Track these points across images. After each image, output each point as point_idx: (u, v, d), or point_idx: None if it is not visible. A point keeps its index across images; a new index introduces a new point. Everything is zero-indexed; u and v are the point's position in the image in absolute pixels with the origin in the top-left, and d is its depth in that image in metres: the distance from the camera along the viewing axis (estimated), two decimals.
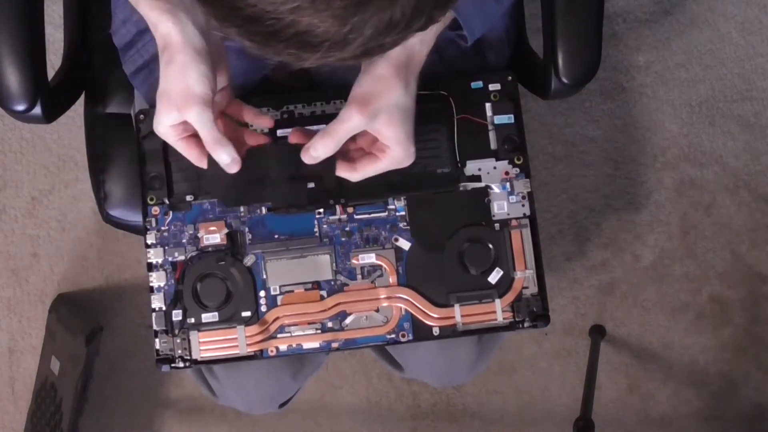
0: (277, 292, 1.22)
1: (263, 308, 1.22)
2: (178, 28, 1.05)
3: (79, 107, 1.48)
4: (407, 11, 0.72)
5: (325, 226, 1.23)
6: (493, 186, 1.25)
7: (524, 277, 1.24)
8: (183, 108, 1.06)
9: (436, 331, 1.24)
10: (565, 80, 1.32)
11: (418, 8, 0.73)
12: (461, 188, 1.24)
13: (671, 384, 2.11)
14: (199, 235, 1.23)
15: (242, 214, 1.23)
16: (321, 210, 1.23)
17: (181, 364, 1.22)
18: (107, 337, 2.02)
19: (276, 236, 1.23)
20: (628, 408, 2.11)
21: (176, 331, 1.21)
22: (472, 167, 1.25)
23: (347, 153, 1.16)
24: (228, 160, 1.10)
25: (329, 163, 1.13)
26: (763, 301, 2.10)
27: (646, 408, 2.11)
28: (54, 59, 1.27)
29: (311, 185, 1.23)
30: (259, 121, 1.19)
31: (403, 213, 1.24)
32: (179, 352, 1.22)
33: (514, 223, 1.24)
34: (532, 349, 2.10)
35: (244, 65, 1.26)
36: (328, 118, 1.23)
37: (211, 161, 1.12)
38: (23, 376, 2.05)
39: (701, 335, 2.10)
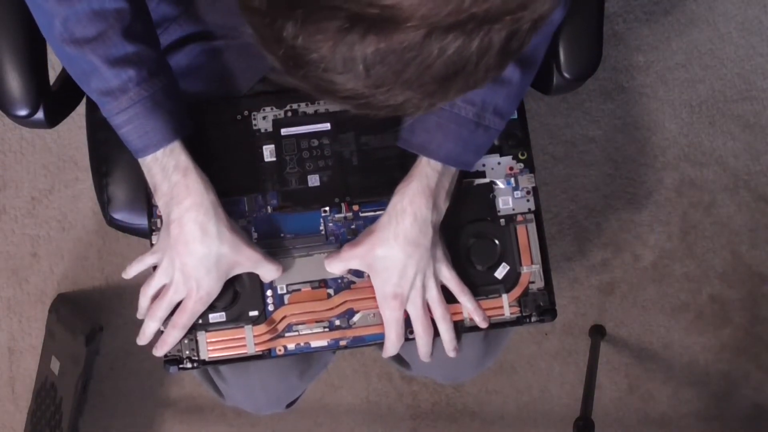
0: (284, 291, 1.22)
1: (270, 307, 1.22)
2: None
3: (79, 107, 1.48)
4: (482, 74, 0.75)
5: (331, 224, 1.23)
6: (497, 181, 1.25)
7: (530, 271, 1.24)
8: (246, 266, 1.19)
9: None
10: (567, 75, 1.32)
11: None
12: (465, 184, 1.24)
13: (671, 384, 2.11)
14: None
15: (248, 213, 1.22)
16: (327, 208, 1.23)
17: (189, 365, 1.22)
18: (107, 337, 2.02)
19: (282, 235, 1.23)
20: (628, 408, 2.11)
21: None
22: (476, 163, 1.24)
23: None
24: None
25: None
26: (763, 301, 2.11)
27: (646, 408, 2.11)
28: (54, 58, 1.26)
29: (316, 184, 1.23)
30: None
31: None
32: (187, 353, 1.21)
33: (519, 218, 1.25)
34: (532, 349, 2.10)
35: (245, 65, 1.26)
36: (331, 116, 1.24)
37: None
38: (23, 376, 2.05)
39: (701, 335, 2.11)
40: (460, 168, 1.20)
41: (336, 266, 1.21)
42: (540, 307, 1.25)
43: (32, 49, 1.27)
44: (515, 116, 1.26)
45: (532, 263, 1.25)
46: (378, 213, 1.22)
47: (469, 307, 1.22)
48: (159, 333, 1.22)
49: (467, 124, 1.15)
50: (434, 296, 1.21)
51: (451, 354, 1.24)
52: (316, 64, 0.72)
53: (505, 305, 1.24)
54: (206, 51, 1.26)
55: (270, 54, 0.75)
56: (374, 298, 1.22)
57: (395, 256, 1.17)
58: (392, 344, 1.22)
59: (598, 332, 2.08)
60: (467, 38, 0.70)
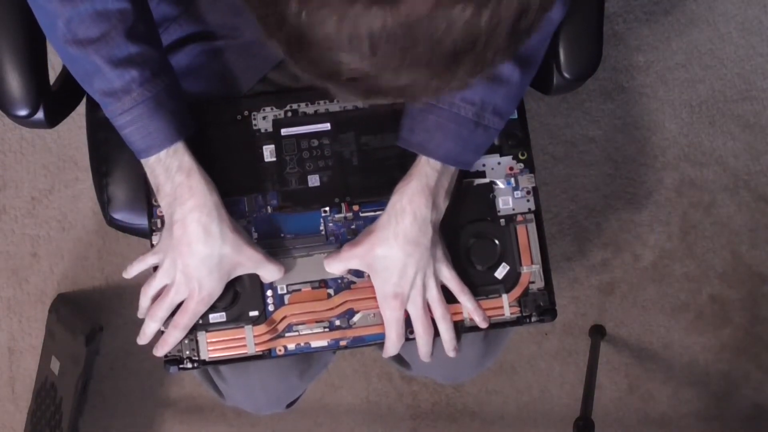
0: (285, 291, 1.22)
1: (270, 308, 1.22)
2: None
3: (79, 107, 1.48)
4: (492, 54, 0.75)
5: (331, 224, 1.23)
6: (497, 181, 1.25)
7: (530, 271, 1.24)
8: (248, 267, 1.19)
9: None
10: (567, 75, 1.32)
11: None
12: (465, 184, 1.24)
13: (671, 384, 2.11)
14: None
15: (248, 213, 1.22)
16: (327, 208, 1.23)
17: (190, 365, 1.22)
18: (107, 337, 2.02)
19: (282, 235, 1.23)
20: (628, 408, 2.11)
21: None
22: (476, 163, 1.24)
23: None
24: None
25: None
26: (763, 301, 2.11)
27: (646, 408, 2.11)
28: (53, 58, 1.26)
29: (316, 184, 1.23)
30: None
31: None
32: (187, 353, 1.21)
33: (519, 218, 1.25)
34: (532, 349, 2.10)
35: (245, 65, 1.26)
36: (331, 117, 1.23)
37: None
38: (23, 376, 2.05)
39: (701, 335, 2.11)
40: (459, 167, 1.20)
41: (336, 266, 1.21)
42: (540, 307, 1.25)
43: (32, 49, 1.27)
44: (515, 116, 1.26)
45: (532, 263, 1.25)
46: (378, 213, 1.22)
47: (469, 307, 1.22)
48: (159, 333, 1.22)
49: (467, 124, 1.15)
50: (434, 296, 1.21)
51: (451, 354, 1.24)
52: (320, 44, 0.72)
53: (505, 305, 1.24)
54: (206, 51, 1.26)
55: (274, 39, 0.75)
56: (374, 298, 1.22)
57: (395, 256, 1.17)
58: (393, 344, 1.22)
59: (598, 332, 2.08)
60: (476, 11, 0.69)
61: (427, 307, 1.21)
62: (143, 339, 1.22)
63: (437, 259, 1.20)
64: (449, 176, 1.19)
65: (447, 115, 1.15)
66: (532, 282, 1.25)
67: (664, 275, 2.10)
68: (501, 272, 1.24)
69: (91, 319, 2.00)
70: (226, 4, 1.24)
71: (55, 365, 1.95)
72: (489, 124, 1.16)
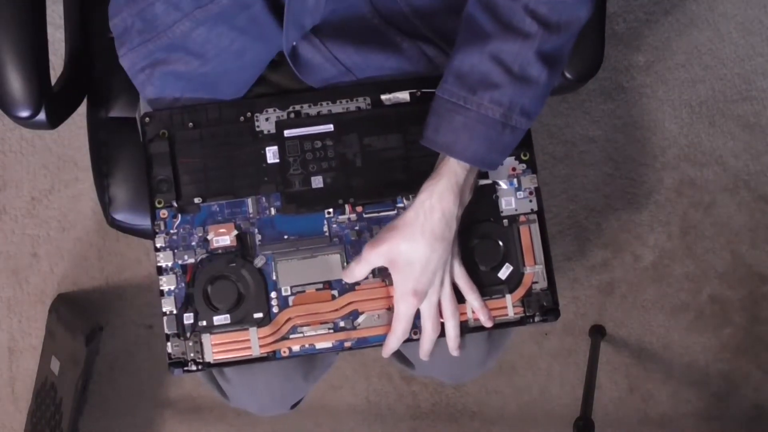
0: (289, 293, 1.22)
1: (275, 309, 1.21)
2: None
3: (79, 107, 1.48)
4: None
5: (334, 225, 1.23)
6: (500, 182, 1.25)
7: (534, 272, 1.25)
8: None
9: None
10: (568, 75, 1.33)
11: None
12: None
13: (671, 384, 2.11)
14: (209, 237, 1.22)
15: (251, 215, 1.22)
16: (330, 210, 1.23)
17: (194, 368, 1.21)
18: (107, 337, 2.01)
19: (286, 237, 1.22)
20: (628, 408, 2.11)
21: (188, 334, 1.21)
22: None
23: None
24: None
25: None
26: (763, 301, 2.11)
27: (646, 408, 2.11)
28: (54, 59, 1.27)
29: (320, 185, 1.23)
30: None
31: None
32: (191, 355, 1.21)
33: (522, 218, 1.25)
34: (532, 349, 2.10)
35: (241, 64, 1.25)
36: (333, 118, 1.23)
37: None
38: (23, 376, 2.04)
39: (701, 335, 2.11)
40: (484, 168, 1.21)
41: (360, 269, 1.21)
42: (543, 307, 1.25)
43: (34, 50, 1.27)
44: None
45: (535, 263, 1.25)
46: (382, 214, 1.23)
47: (475, 305, 1.23)
48: None
49: (494, 125, 1.15)
50: (447, 292, 1.21)
51: (454, 353, 1.24)
52: None
53: (509, 305, 1.25)
54: (198, 68, 1.24)
55: None
56: (378, 299, 1.22)
57: (420, 251, 1.18)
58: (396, 338, 1.22)
59: (598, 332, 2.08)
60: None
61: (439, 306, 1.22)
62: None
63: (453, 255, 1.20)
64: (475, 173, 1.20)
65: (475, 116, 1.15)
66: (536, 282, 1.25)
67: (664, 275, 2.10)
68: (504, 273, 1.24)
69: (91, 319, 1.99)
70: (229, 37, 1.22)
71: (55, 365, 1.95)
72: (516, 124, 1.16)
